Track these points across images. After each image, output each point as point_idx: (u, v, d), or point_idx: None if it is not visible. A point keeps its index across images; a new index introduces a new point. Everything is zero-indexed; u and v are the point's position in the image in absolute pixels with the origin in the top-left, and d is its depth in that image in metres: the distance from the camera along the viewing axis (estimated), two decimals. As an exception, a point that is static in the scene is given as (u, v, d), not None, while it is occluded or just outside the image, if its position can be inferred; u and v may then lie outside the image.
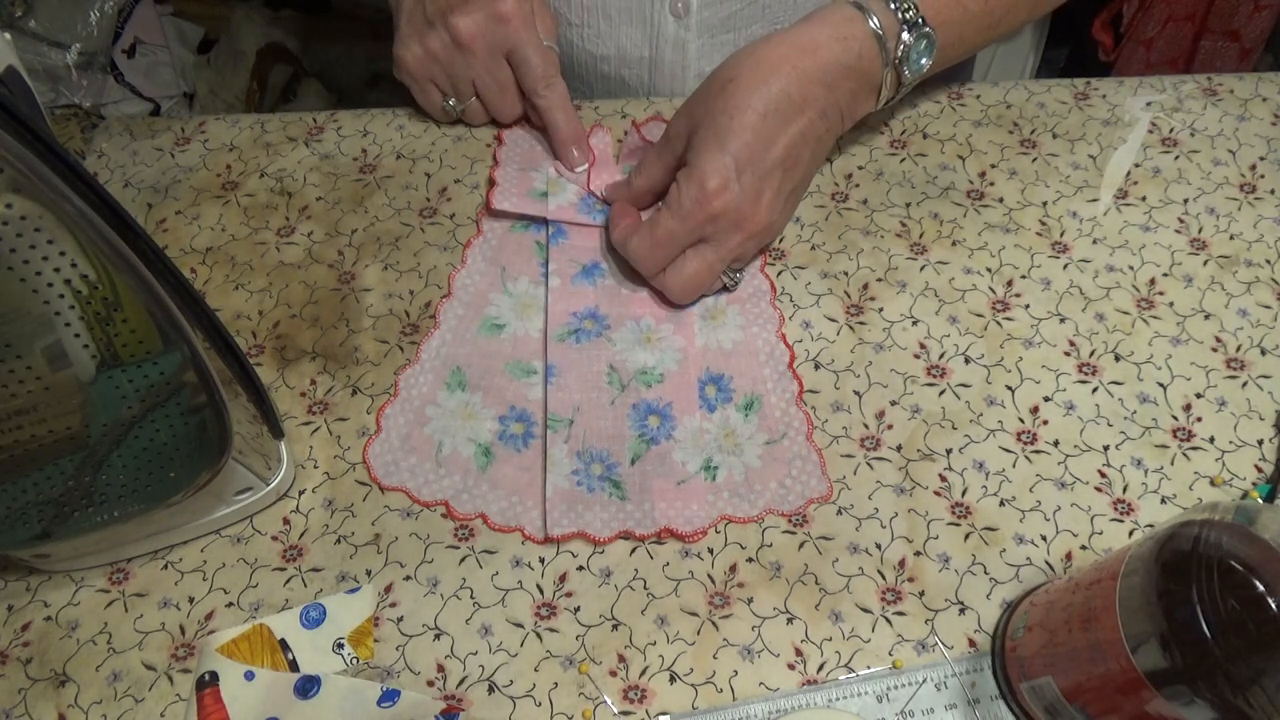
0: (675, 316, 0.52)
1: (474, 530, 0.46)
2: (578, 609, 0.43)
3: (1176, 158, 0.57)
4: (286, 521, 0.46)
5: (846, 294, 0.53)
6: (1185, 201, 0.55)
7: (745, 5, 0.60)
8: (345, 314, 0.53)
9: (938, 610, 0.43)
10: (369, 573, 0.45)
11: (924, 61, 0.51)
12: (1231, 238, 0.54)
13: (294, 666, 0.42)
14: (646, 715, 0.41)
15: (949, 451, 0.47)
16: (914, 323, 0.51)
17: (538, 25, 0.56)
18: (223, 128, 0.62)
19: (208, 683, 0.41)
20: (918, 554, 0.44)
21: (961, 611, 0.43)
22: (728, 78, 0.48)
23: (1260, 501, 0.45)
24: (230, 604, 0.44)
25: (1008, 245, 0.54)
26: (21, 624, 0.44)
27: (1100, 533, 0.44)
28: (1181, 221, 0.54)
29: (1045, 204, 0.56)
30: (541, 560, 0.45)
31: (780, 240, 0.55)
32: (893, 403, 0.49)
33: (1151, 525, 0.45)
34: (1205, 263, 0.53)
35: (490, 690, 0.41)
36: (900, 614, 0.43)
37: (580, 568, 0.44)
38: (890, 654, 0.42)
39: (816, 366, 0.50)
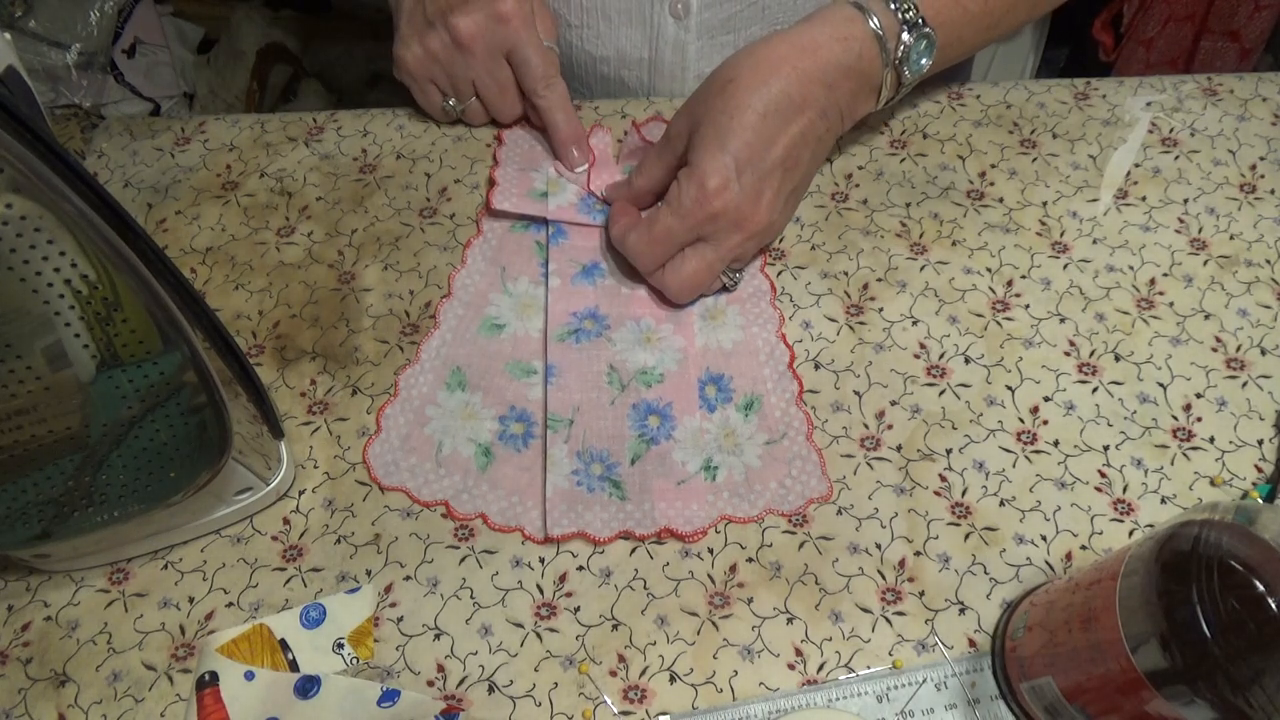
0: (675, 316, 0.52)
1: (474, 530, 0.46)
2: (578, 609, 0.43)
3: (1176, 158, 0.57)
4: (286, 521, 0.46)
5: (846, 294, 0.53)
6: (1185, 201, 0.55)
7: (745, 6, 0.60)
8: (345, 314, 0.53)
9: (938, 610, 0.43)
10: (369, 573, 0.45)
11: (924, 62, 0.51)
12: (1231, 238, 0.54)
13: (294, 666, 0.42)
14: (646, 715, 0.41)
15: (949, 451, 0.47)
16: (914, 323, 0.51)
17: (538, 25, 0.56)
18: (223, 128, 0.62)
19: (208, 683, 0.41)
20: (918, 554, 0.44)
21: (961, 611, 0.43)
22: (728, 78, 0.48)
23: (1260, 501, 0.45)
24: (230, 604, 0.44)
25: (1008, 245, 0.54)
26: (21, 624, 0.44)
27: (1100, 533, 0.44)
28: (1181, 221, 0.55)
29: (1045, 204, 0.56)
30: (541, 560, 0.45)
31: (780, 240, 0.55)
32: (893, 403, 0.49)
33: (1151, 525, 0.45)
34: (1205, 263, 0.53)
35: (490, 690, 0.41)
36: (900, 614, 0.43)
37: (580, 568, 0.44)
38: (890, 654, 0.42)
39: (816, 366, 0.50)
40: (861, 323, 0.52)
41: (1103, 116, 0.59)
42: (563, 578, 0.44)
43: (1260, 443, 0.47)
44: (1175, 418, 0.48)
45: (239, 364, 0.39)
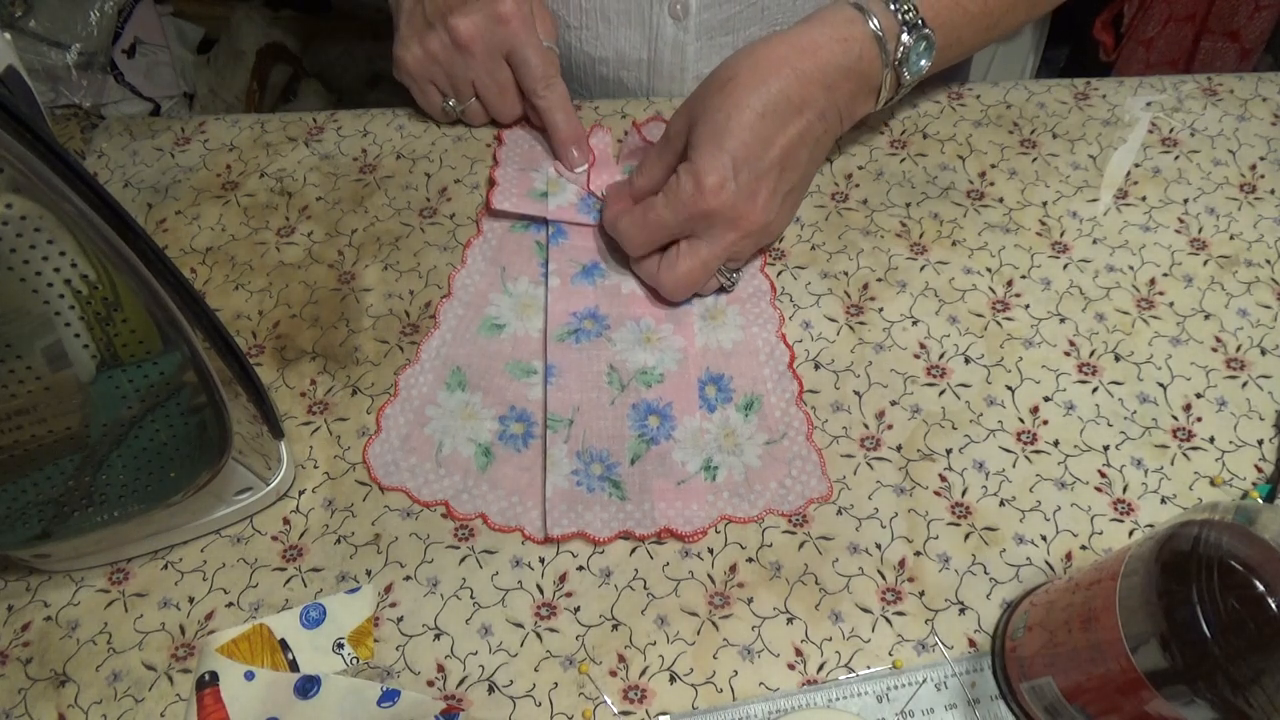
0: (675, 316, 0.52)
1: (474, 530, 0.46)
2: (578, 609, 0.43)
3: (1176, 158, 0.57)
4: (286, 521, 0.46)
5: (846, 294, 0.53)
6: (1185, 201, 0.55)
7: (744, 7, 0.60)
8: (345, 314, 0.53)
9: (938, 610, 0.43)
10: (369, 573, 0.45)
11: (923, 63, 0.51)
12: (1231, 238, 0.54)
13: (294, 666, 0.42)
14: (646, 715, 0.41)
15: (949, 451, 0.47)
16: (914, 323, 0.51)
17: (537, 26, 0.56)
18: (223, 128, 0.62)
19: (208, 683, 0.41)
20: (918, 554, 0.44)
21: (961, 611, 0.43)
22: (727, 77, 0.49)
23: (1260, 501, 0.45)
24: (230, 604, 0.44)
25: (1008, 245, 0.54)
26: (21, 624, 0.44)
27: (1100, 533, 0.44)
28: (1181, 221, 0.55)
29: (1045, 204, 0.56)
30: (541, 560, 0.45)
31: (780, 240, 0.55)
32: (893, 403, 0.49)
33: (1151, 525, 0.45)
34: (1205, 263, 0.53)
35: (490, 690, 0.41)
36: (900, 614, 0.43)
37: (580, 568, 0.44)
38: (890, 654, 0.42)
39: (816, 366, 0.50)
40: (861, 323, 0.52)
41: (1103, 116, 0.59)
42: (563, 578, 0.44)
43: (1260, 443, 0.47)
44: (1175, 418, 0.48)
45: (239, 364, 0.39)
